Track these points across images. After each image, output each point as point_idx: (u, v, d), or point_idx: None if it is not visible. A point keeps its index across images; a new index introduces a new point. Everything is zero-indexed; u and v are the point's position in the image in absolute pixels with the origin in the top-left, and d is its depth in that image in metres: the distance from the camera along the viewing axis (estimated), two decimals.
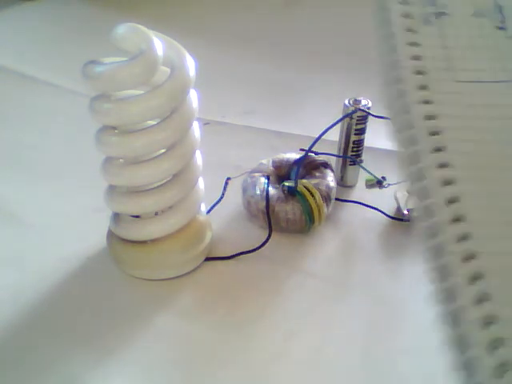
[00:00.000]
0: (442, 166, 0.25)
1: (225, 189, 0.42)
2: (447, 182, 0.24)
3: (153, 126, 0.34)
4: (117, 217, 0.36)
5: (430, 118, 0.26)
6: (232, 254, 0.38)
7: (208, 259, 0.38)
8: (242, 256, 0.38)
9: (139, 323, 0.34)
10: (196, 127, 0.35)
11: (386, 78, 0.27)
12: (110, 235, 0.37)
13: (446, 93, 0.27)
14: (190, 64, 0.33)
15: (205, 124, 0.50)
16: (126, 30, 0.32)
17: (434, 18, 0.28)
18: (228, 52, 0.62)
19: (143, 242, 0.36)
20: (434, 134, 0.26)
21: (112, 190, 0.35)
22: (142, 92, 0.33)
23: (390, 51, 0.27)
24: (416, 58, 0.27)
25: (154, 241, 0.36)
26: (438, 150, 0.25)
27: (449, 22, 0.28)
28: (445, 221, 0.24)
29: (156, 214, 0.36)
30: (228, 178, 0.43)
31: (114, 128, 0.34)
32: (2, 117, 0.52)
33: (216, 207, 0.41)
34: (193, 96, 0.34)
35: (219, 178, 0.43)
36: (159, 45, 0.32)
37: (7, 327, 0.33)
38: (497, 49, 0.27)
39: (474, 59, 0.28)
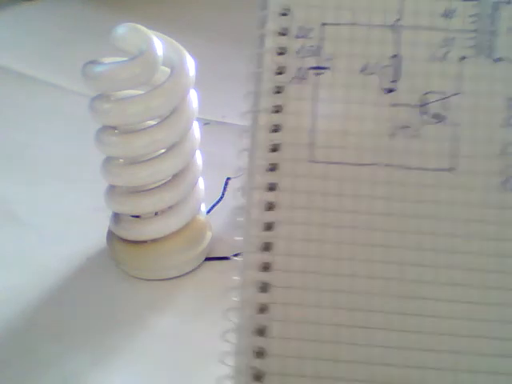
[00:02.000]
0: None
1: (225, 189, 0.42)
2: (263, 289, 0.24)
3: (153, 125, 0.34)
4: (117, 217, 0.36)
5: (268, 208, 0.24)
6: (232, 253, 0.38)
7: (208, 259, 0.38)
8: None
9: (139, 323, 0.34)
10: (196, 127, 0.35)
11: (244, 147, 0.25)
12: (110, 235, 0.37)
13: (294, 176, 0.24)
14: (190, 64, 0.33)
15: (205, 124, 0.50)
16: (125, 30, 0.32)
17: (313, 75, 0.25)
18: (228, 52, 0.62)
19: (143, 242, 0.36)
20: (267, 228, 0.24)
21: (112, 189, 0.35)
22: (142, 92, 0.33)
23: (252, 116, 0.25)
24: (275, 129, 0.25)
25: (154, 241, 0.36)
26: (266, 248, 0.24)
27: (328, 81, 0.25)
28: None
29: (156, 213, 0.36)
30: (228, 178, 0.43)
31: (114, 128, 0.34)
32: (1, 117, 0.52)
33: (216, 207, 0.41)
34: (193, 96, 0.34)
35: (219, 178, 0.43)
36: (159, 45, 0.32)
37: (7, 327, 0.33)
38: (374, 121, 0.25)
39: (339, 133, 0.25)
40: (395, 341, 0.24)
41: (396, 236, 0.24)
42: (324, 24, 0.25)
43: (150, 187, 0.35)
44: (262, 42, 0.25)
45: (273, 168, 0.24)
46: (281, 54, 0.25)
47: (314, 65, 0.25)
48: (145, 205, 0.35)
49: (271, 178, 0.24)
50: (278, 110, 0.24)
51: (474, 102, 0.25)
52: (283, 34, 0.25)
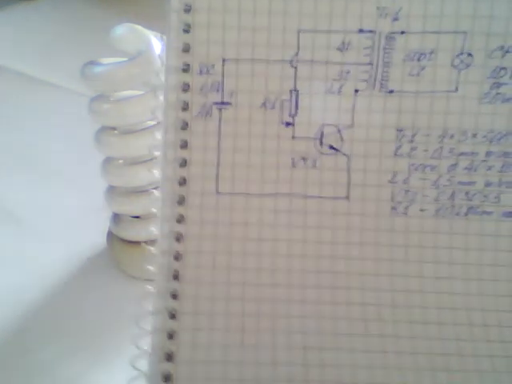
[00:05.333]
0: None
1: None
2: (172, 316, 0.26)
3: (152, 126, 0.33)
4: (117, 217, 0.36)
5: (177, 239, 0.26)
6: None
7: None
8: None
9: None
10: None
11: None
12: (110, 235, 0.37)
13: (201, 208, 0.26)
14: None
15: None
16: (124, 31, 0.32)
17: (216, 110, 0.26)
18: None
19: (143, 243, 0.36)
20: (176, 257, 0.26)
21: (112, 189, 0.35)
22: (141, 92, 0.33)
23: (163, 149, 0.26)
24: (182, 164, 0.26)
25: (154, 241, 0.36)
26: (175, 277, 0.26)
27: (231, 115, 0.26)
28: None
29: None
30: None
31: (114, 128, 0.34)
32: (1, 117, 0.52)
33: None
34: None
35: None
36: (158, 45, 0.32)
37: (6, 327, 0.34)
38: (275, 153, 0.26)
39: (243, 166, 0.26)
40: None
41: (298, 261, 0.26)
42: (225, 60, 0.25)
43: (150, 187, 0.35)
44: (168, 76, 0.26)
45: (181, 201, 0.26)
46: (185, 90, 0.25)
47: (218, 100, 0.25)
48: (145, 205, 0.35)
49: (180, 210, 0.26)
50: (184, 145, 0.25)
51: (366, 133, 0.26)
52: (186, 71, 0.25)
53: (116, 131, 0.34)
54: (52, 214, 0.41)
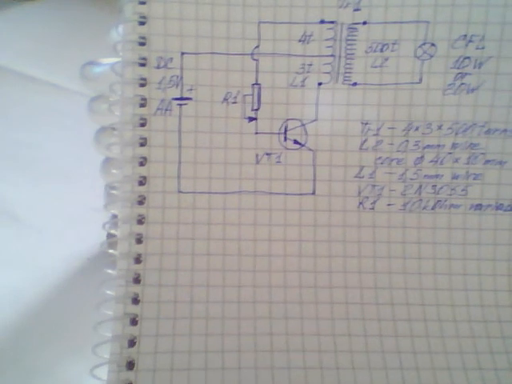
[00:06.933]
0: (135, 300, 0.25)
1: None
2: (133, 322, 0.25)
3: None
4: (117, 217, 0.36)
5: (138, 241, 0.25)
6: None
7: None
8: None
9: None
10: None
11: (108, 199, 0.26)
12: (110, 235, 0.37)
13: (163, 208, 0.25)
14: None
15: None
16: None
17: (176, 105, 0.25)
18: None
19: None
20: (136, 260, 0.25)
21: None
22: None
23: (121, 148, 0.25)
24: (141, 162, 0.25)
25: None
26: (136, 281, 0.25)
27: (192, 111, 0.25)
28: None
29: None
30: None
31: (114, 128, 0.33)
32: (1, 117, 0.51)
33: None
34: None
35: None
36: None
37: (6, 328, 0.34)
38: (238, 149, 0.25)
39: (205, 164, 0.25)
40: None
41: (263, 260, 0.26)
42: (183, 53, 0.25)
43: None
44: (124, 71, 0.25)
45: (141, 201, 0.25)
46: (142, 85, 0.25)
47: (177, 96, 0.25)
48: None
49: (140, 210, 0.25)
50: (143, 142, 0.25)
51: (331, 127, 0.25)
52: (143, 65, 0.25)
53: (115, 131, 0.34)
54: (52, 213, 0.42)
